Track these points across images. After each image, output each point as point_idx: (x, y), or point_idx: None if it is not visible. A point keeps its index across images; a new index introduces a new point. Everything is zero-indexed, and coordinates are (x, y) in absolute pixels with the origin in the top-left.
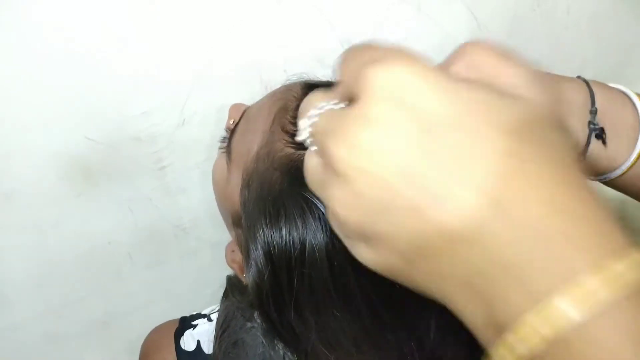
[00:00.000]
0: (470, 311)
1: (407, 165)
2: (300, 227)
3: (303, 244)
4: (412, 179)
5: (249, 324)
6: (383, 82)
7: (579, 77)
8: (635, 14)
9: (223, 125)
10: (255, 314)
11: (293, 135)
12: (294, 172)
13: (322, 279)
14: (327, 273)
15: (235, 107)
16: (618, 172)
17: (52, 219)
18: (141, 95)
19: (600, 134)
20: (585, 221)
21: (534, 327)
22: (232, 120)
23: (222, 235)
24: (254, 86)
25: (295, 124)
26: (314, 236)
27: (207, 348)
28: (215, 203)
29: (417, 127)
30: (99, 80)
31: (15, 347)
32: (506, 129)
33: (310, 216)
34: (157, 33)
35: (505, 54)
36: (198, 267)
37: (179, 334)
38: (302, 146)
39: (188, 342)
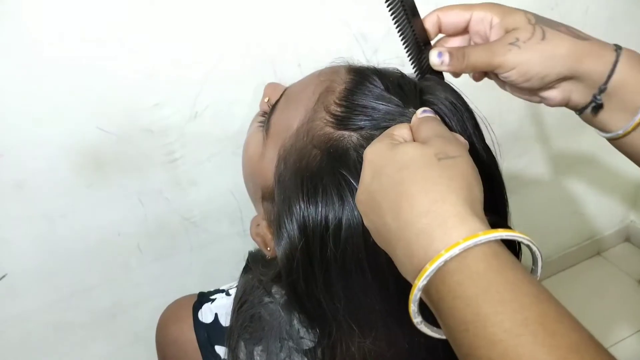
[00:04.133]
0: (404, 265)
1: None
2: (337, 204)
3: (339, 220)
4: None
5: (266, 299)
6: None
7: (616, 45)
8: None
9: (235, 120)
10: (274, 289)
11: (336, 116)
12: (332, 151)
13: (356, 255)
14: (361, 250)
15: (271, 85)
16: (612, 134)
17: (62, 209)
18: (154, 87)
19: (597, 109)
20: (464, 214)
21: (428, 270)
22: (267, 98)
23: (232, 228)
24: (267, 81)
25: (340, 106)
26: (352, 214)
27: (225, 321)
28: (224, 197)
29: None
30: (111, 72)
31: (22, 336)
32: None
33: (349, 194)
34: (170, 26)
35: None
36: (207, 260)
37: (197, 307)
38: (341, 126)
39: (206, 314)
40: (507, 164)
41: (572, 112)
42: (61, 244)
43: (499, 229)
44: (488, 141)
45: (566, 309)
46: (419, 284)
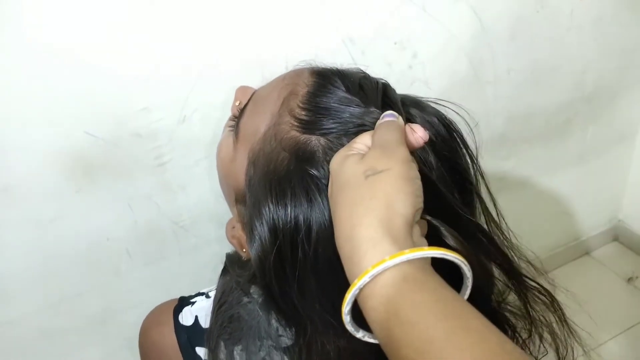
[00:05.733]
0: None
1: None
2: (306, 205)
3: (309, 221)
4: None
5: (245, 299)
6: None
7: None
8: (637, 18)
9: (224, 124)
10: (252, 289)
11: (300, 120)
12: (301, 154)
13: (328, 254)
14: (333, 249)
15: (242, 89)
16: None
17: (51, 215)
18: (142, 91)
19: None
20: (389, 235)
21: (347, 298)
22: (239, 102)
23: (221, 232)
24: (255, 84)
25: (304, 110)
26: (322, 215)
27: (205, 322)
28: (213, 202)
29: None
30: (99, 76)
31: (12, 343)
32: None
33: (318, 195)
34: (159, 30)
35: None
36: (197, 265)
37: (177, 310)
38: (307, 130)
39: (186, 317)
40: (494, 165)
41: (559, 113)
42: (50, 249)
43: (408, 250)
44: (471, 144)
45: (478, 322)
46: (344, 309)
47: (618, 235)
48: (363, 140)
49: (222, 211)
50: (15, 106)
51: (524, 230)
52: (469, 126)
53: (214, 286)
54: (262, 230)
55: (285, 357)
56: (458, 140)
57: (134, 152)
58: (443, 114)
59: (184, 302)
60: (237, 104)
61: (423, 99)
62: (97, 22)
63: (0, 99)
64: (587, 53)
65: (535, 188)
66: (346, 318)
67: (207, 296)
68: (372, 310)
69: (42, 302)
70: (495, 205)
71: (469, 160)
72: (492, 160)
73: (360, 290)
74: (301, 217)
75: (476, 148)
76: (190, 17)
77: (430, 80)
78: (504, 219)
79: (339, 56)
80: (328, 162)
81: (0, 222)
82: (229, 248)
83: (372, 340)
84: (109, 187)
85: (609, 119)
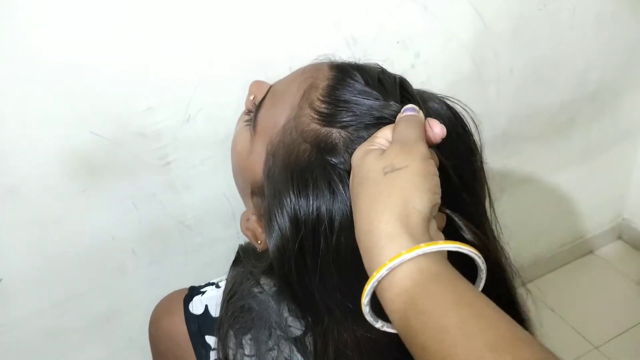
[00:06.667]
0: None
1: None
2: (328, 196)
3: (331, 212)
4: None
5: (255, 290)
6: None
7: None
8: (639, 16)
9: (228, 122)
10: (262, 281)
11: (320, 112)
12: (322, 146)
13: (351, 244)
14: (355, 238)
15: (256, 83)
16: None
17: (56, 214)
18: (146, 91)
19: None
20: (405, 228)
21: (366, 289)
22: (253, 96)
23: (226, 231)
24: None
25: (324, 103)
26: (345, 205)
27: (215, 312)
28: (218, 201)
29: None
30: (103, 76)
31: (17, 343)
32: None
33: (340, 185)
34: (162, 30)
35: None
36: (202, 264)
37: (188, 299)
38: (327, 123)
39: (197, 306)
40: (498, 164)
41: (562, 112)
42: (55, 249)
43: (424, 244)
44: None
45: (490, 310)
46: (363, 300)
47: (622, 234)
48: (384, 134)
49: (226, 210)
50: (19, 107)
51: (528, 228)
52: (475, 124)
53: (224, 276)
54: (282, 221)
55: (293, 347)
56: (469, 135)
57: (138, 152)
58: (456, 110)
59: (194, 291)
60: (251, 98)
61: (437, 94)
62: (100, 22)
63: (4, 100)
64: (590, 51)
65: (539, 187)
66: (365, 309)
67: (217, 286)
68: (390, 301)
69: (47, 302)
70: (489, 198)
71: (477, 156)
72: (495, 159)
73: (379, 282)
74: (324, 208)
75: (481, 145)
76: (194, 16)
77: (433, 79)
78: (494, 212)
79: (342, 56)
80: (349, 154)
81: (6, 223)
82: (233, 247)
83: (390, 330)
84: (114, 187)
85: (613, 117)
